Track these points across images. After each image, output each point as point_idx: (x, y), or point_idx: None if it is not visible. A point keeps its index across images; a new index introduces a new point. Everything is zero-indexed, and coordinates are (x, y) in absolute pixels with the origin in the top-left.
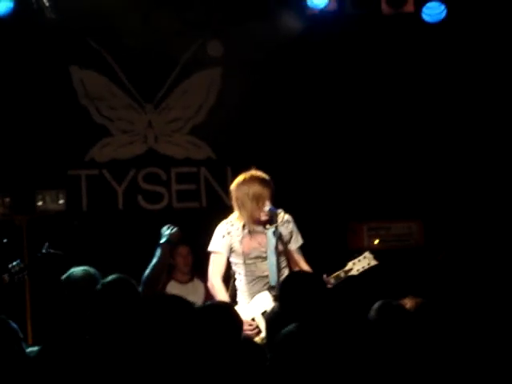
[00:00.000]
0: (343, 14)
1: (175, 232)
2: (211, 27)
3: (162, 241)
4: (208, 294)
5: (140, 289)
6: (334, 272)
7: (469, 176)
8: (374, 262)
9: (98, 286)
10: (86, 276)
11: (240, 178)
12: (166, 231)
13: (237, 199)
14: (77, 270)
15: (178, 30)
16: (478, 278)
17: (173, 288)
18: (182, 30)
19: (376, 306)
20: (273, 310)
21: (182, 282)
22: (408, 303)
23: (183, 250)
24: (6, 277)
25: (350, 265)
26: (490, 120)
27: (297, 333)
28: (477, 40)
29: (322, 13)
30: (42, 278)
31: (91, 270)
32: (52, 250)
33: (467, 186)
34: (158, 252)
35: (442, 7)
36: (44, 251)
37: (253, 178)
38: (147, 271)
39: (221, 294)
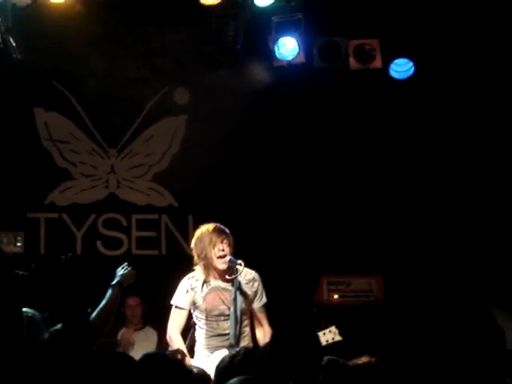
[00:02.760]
0: (311, 66)
1: (128, 273)
2: (178, 75)
3: (113, 282)
4: (161, 342)
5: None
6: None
7: (431, 231)
8: (338, 338)
9: (46, 335)
10: (29, 320)
11: (197, 233)
12: (120, 271)
13: (197, 252)
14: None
15: (145, 76)
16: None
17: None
18: (149, 77)
19: (323, 362)
20: (223, 360)
21: (133, 330)
22: (362, 360)
23: (132, 301)
24: None
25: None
26: (455, 173)
27: None
28: (445, 96)
29: (290, 65)
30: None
31: (36, 315)
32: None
33: (429, 243)
34: (108, 293)
35: (410, 64)
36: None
37: (209, 229)
38: (94, 313)
39: (177, 343)
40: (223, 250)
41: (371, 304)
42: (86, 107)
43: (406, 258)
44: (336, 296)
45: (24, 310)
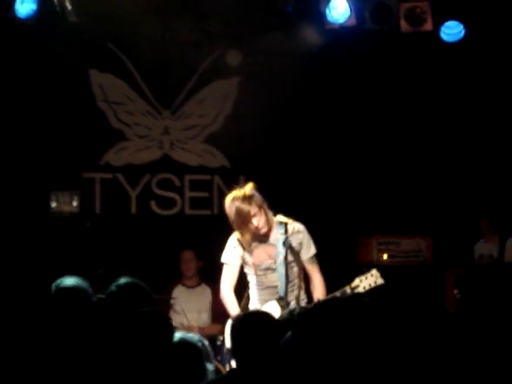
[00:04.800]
0: (362, 29)
1: None
2: (230, 38)
3: None
4: (216, 299)
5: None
6: (341, 287)
7: (479, 191)
8: (380, 281)
9: (113, 288)
10: (76, 287)
11: (226, 206)
12: None
13: (233, 227)
14: (68, 280)
15: (197, 39)
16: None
17: (179, 292)
18: (201, 40)
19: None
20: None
21: (188, 287)
22: None
23: (186, 255)
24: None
25: (356, 281)
26: (507, 137)
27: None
28: (495, 60)
29: (341, 28)
30: None
31: (82, 282)
32: None
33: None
34: None
35: (461, 27)
36: None
37: (233, 210)
38: None
39: (230, 305)
40: (257, 227)
41: (420, 264)
42: (140, 69)
43: (456, 219)
44: (385, 256)
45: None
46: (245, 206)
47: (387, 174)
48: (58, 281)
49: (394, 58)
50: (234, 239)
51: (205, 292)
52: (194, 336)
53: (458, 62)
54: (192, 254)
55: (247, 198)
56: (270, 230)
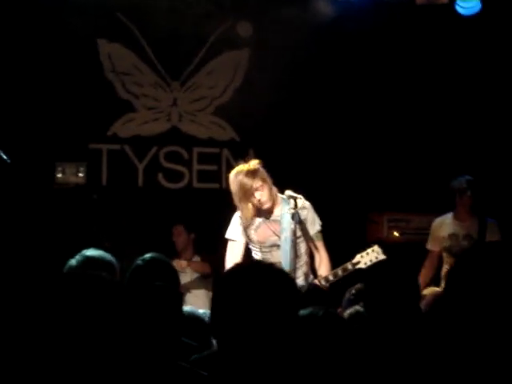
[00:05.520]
0: (377, 1)
1: None
2: (242, 9)
3: None
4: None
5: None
6: (342, 264)
7: (491, 169)
8: (382, 256)
9: (139, 262)
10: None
11: (230, 181)
12: None
13: (236, 203)
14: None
15: (208, 10)
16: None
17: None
18: (212, 11)
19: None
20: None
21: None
22: (427, 293)
23: (175, 230)
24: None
25: (357, 257)
26: None
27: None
28: (511, 36)
29: (355, 0)
30: None
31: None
32: None
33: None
34: None
35: (477, 1)
36: None
37: (236, 184)
38: None
39: None
40: (259, 200)
41: None
42: (149, 40)
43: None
44: (396, 233)
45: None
46: (248, 180)
47: (398, 150)
48: (78, 255)
49: (408, 32)
50: (238, 215)
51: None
52: (199, 310)
53: (473, 36)
54: (181, 228)
55: (251, 172)
56: (273, 205)
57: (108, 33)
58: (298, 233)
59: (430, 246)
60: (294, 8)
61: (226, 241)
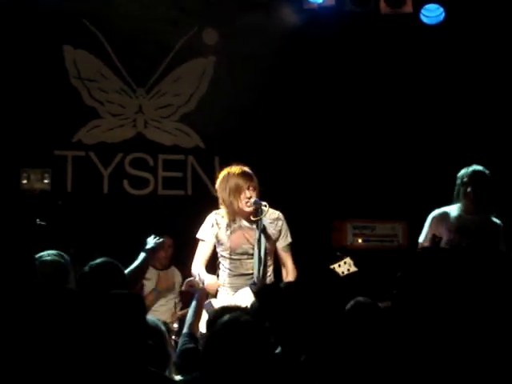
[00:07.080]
0: (341, 10)
1: (161, 242)
2: (208, 16)
3: (147, 247)
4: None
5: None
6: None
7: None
8: (353, 269)
9: (86, 268)
10: (55, 262)
11: (222, 175)
12: (153, 240)
13: (222, 196)
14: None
15: (174, 16)
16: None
17: (149, 273)
18: (178, 18)
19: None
20: (252, 305)
21: (157, 269)
22: (384, 305)
23: (168, 241)
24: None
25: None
26: (488, 119)
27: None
28: (475, 43)
29: (320, 8)
30: None
31: (61, 257)
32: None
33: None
34: (142, 256)
35: (441, 10)
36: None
37: (234, 172)
38: (127, 271)
39: (203, 275)
40: (249, 197)
41: (395, 249)
42: (115, 47)
43: (431, 203)
44: (360, 240)
45: (49, 255)
46: (245, 178)
47: (362, 157)
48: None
49: (372, 40)
50: (212, 217)
51: (174, 274)
52: (156, 319)
53: (437, 45)
54: (171, 242)
55: (248, 173)
56: (252, 212)
57: (74, 39)
58: (267, 243)
59: (422, 239)
60: (260, 16)
61: (191, 246)
